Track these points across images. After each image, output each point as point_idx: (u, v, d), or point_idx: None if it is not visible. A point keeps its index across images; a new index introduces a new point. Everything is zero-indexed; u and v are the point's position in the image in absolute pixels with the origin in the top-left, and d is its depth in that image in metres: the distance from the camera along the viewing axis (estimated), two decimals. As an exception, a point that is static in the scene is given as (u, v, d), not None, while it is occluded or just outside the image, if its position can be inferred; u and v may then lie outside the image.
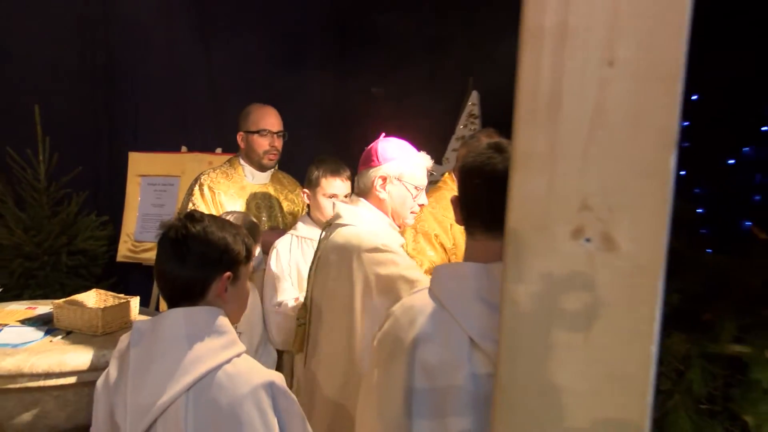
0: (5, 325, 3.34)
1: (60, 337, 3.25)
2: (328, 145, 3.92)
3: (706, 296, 3.97)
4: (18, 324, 3.38)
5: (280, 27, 4.72)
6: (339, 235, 2.79)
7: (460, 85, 4.72)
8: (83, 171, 4.66)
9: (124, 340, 1.93)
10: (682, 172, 5.19)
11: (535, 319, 0.84)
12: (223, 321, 1.86)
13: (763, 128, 4.74)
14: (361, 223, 2.81)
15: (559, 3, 0.81)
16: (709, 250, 4.87)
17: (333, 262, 2.75)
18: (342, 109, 4.64)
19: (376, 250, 2.65)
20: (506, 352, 0.86)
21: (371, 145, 2.92)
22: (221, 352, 1.81)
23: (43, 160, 4.59)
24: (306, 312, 2.82)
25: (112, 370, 1.90)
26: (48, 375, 2.93)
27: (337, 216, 2.84)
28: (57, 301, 3.30)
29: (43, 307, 3.53)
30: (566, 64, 0.81)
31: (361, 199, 2.88)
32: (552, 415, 0.84)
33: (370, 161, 2.89)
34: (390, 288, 2.52)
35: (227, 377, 1.78)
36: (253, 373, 1.82)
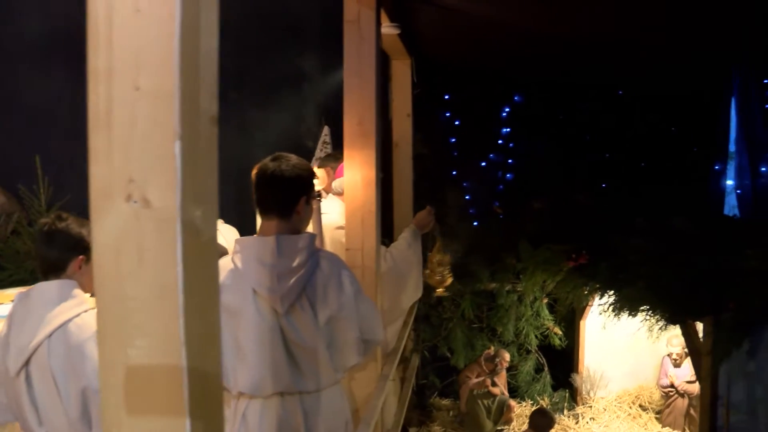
0: (3, 303, 3.25)
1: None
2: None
3: (472, 253, 4.10)
4: (11, 302, 3.28)
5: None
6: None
7: (317, 122, 4.82)
8: (70, 199, 4.63)
9: (12, 307, 1.87)
10: (454, 172, 5.33)
11: (112, 257, 0.86)
12: (77, 290, 1.83)
13: (500, 141, 4.94)
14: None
15: (106, 53, 0.84)
16: (475, 223, 5.03)
17: None
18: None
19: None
20: (100, 280, 0.87)
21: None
22: (73, 309, 1.78)
23: (43, 192, 4.56)
24: None
25: (4, 327, 1.85)
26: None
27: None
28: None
29: (28, 291, 3.42)
30: (113, 90, 0.84)
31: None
32: (122, 330, 0.86)
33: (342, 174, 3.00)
34: None
35: (76, 326, 1.75)
36: (94, 322, 1.78)
